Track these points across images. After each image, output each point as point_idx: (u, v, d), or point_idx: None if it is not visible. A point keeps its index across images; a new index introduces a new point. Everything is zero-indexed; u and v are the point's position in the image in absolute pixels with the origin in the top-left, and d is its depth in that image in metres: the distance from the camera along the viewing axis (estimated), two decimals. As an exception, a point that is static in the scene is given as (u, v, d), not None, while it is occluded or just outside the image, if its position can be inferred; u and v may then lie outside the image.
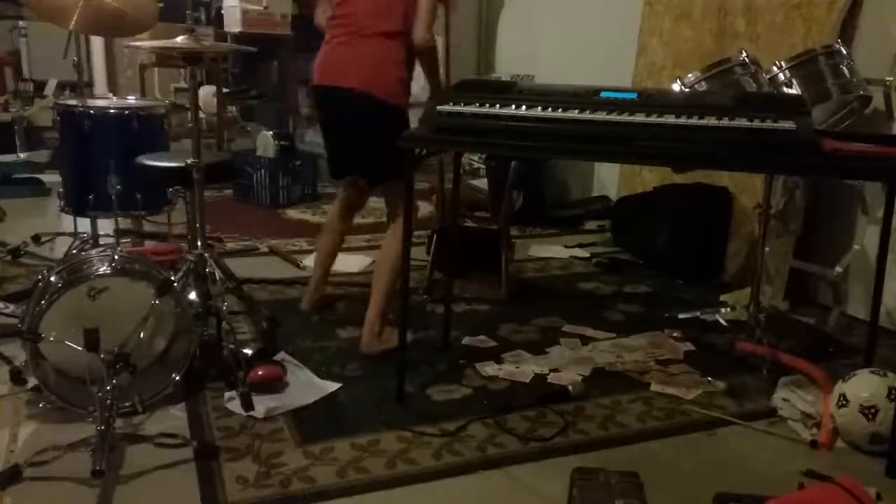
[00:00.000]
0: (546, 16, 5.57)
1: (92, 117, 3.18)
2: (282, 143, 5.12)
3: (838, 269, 3.15)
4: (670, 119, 2.06)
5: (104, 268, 2.24)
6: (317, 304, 3.12)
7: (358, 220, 4.73)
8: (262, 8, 6.42)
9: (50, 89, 6.47)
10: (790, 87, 2.78)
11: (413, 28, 2.68)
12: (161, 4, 3.46)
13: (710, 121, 2.03)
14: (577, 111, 2.11)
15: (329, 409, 2.36)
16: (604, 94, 2.21)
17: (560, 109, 2.13)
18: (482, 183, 4.96)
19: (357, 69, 2.68)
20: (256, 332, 2.85)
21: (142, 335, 2.22)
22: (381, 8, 2.68)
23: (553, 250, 4.20)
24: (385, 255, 2.80)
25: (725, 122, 2.02)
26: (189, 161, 2.56)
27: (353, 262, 3.81)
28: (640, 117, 2.08)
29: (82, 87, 3.53)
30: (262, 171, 4.99)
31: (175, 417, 2.26)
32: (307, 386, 2.48)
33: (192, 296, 2.58)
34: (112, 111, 3.26)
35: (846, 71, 2.83)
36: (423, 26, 2.67)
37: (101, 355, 2.07)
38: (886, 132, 3.05)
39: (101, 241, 3.30)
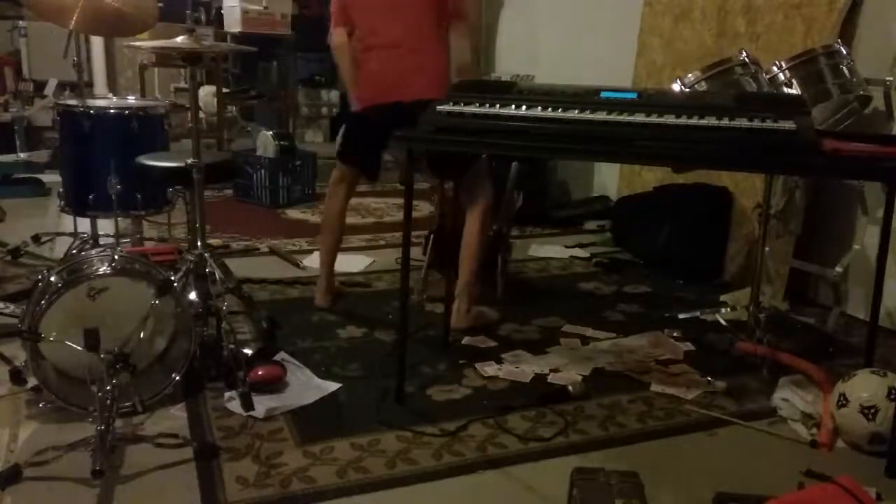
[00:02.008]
0: (546, 16, 5.57)
1: (92, 117, 3.18)
2: (282, 143, 5.12)
3: (838, 269, 3.15)
4: (670, 119, 2.06)
5: (104, 268, 2.24)
6: (332, 298, 3.21)
7: (357, 220, 4.78)
8: (262, 8, 6.42)
9: (50, 89, 6.46)
10: (790, 87, 2.78)
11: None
12: (161, 4, 3.46)
13: (710, 121, 2.03)
14: (577, 111, 2.11)
15: (329, 409, 2.36)
16: (604, 94, 2.21)
17: (560, 109, 2.13)
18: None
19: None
20: (256, 332, 2.85)
21: (142, 335, 2.22)
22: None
23: (553, 250, 4.20)
24: (467, 238, 2.97)
25: (725, 122, 2.02)
26: (189, 161, 2.56)
27: (354, 262, 3.81)
28: (640, 117, 2.08)
29: (82, 87, 3.53)
30: (262, 171, 4.99)
31: (175, 417, 2.26)
32: (307, 386, 2.48)
33: (192, 296, 2.58)
34: (112, 111, 3.26)
35: (846, 71, 2.83)
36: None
37: (101, 355, 2.07)
38: (886, 132, 3.06)
39: (101, 240, 3.31)
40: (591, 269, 3.91)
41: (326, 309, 3.16)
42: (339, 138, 3.16)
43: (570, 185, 5.18)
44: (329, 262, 3.20)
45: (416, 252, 3.31)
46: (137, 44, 3.19)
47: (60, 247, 3.69)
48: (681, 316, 3.20)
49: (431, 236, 3.44)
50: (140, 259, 2.37)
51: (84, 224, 3.37)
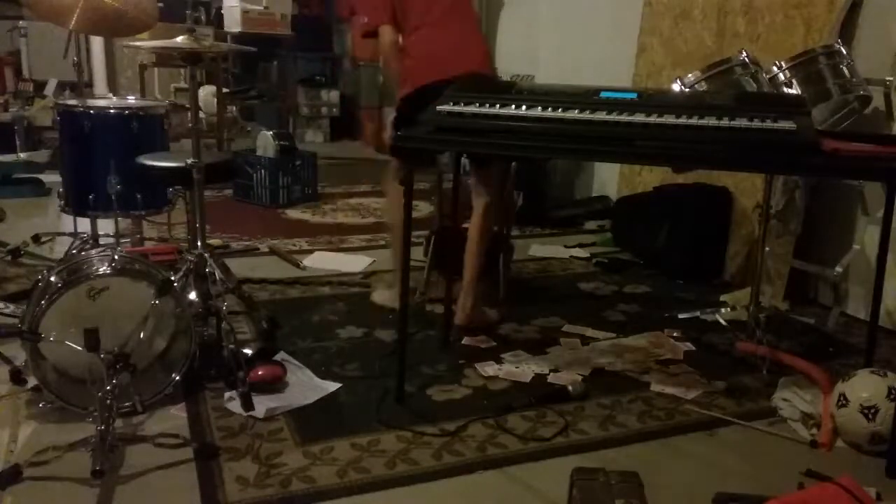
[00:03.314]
0: (546, 16, 5.57)
1: (92, 117, 3.18)
2: (282, 143, 5.12)
3: (838, 269, 3.15)
4: (670, 119, 2.06)
5: (104, 268, 2.24)
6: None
7: (357, 220, 4.78)
8: (262, 8, 6.43)
9: (50, 89, 6.47)
10: (790, 87, 2.78)
11: None
12: (161, 4, 3.45)
13: (710, 121, 2.03)
14: (577, 111, 2.11)
15: (329, 409, 2.36)
16: (604, 94, 2.21)
17: (560, 109, 2.13)
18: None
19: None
20: (256, 332, 2.85)
21: (142, 335, 2.22)
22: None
23: (553, 250, 4.20)
24: (471, 234, 2.98)
25: (725, 122, 2.02)
26: (189, 161, 2.56)
27: (354, 262, 3.81)
28: (640, 117, 2.08)
29: (82, 87, 3.53)
30: (262, 171, 4.99)
31: (175, 417, 2.26)
32: (307, 386, 2.48)
33: (192, 296, 2.58)
34: (112, 111, 3.26)
35: (846, 71, 2.83)
36: None
37: (101, 355, 2.07)
38: (886, 132, 3.06)
39: (101, 240, 3.31)
40: (591, 269, 3.91)
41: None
42: (389, 132, 3.04)
43: (570, 185, 5.17)
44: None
45: (416, 252, 3.31)
46: (137, 44, 3.19)
47: (60, 247, 3.69)
48: (681, 316, 3.20)
49: (433, 237, 3.44)
50: (140, 259, 2.37)
51: (84, 224, 3.37)
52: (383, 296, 3.26)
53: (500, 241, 3.37)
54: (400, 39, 2.96)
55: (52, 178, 4.91)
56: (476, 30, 3.10)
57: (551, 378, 2.61)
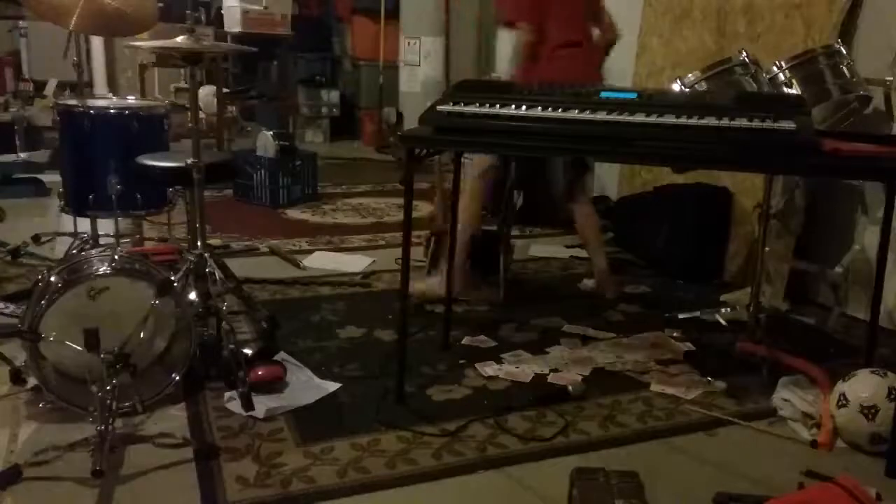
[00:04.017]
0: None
1: (92, 117, 3.18)
2: (282, 143, 5.12)
3: (838, 269, 3.15)
4: (670, 119, 2.06)
5: (104, 268, 2.24)
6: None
7: (357, 220, 4.78)
8: (262, 8, 6.42)
9: (50, 89, 6.46)
10: (790, 87, 2.78)
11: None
12: (161, 4, 3.45)
13: (710, 121, 2.03)
14: (577, 111, 2.12)
15: (329, 409, 2.36)
16: (604, 94, 2.21)
17: (560, 109, 2.13)
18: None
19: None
20: (256, 332, 2.85)
21: (142, 335, 2.22)
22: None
23: (553, 250, 4.20)
24: (590, 221, 3.41)
25: (725, 122, 2.02)
26: (189, 161, 2.56)
27: (354, 262, 3.81)
28: (640, 117, 2.08)
29: (82, 87, 3.53)
30: (262, 171, 4.99)
31: (175, 417, 2.26)
32: (307, 386, 2.48)
33: (192, 296, 2.58)
34: (112, 111, 3.26)
35: (846, 71, 2.82)
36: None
37: (101, 355, 2.07)
38: (886, 132, 3.05)
39: (101, 240, 3.31)
40: (592, 269, 3.90)
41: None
42: None
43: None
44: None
45: (416, 252, 3.31)
46: (137, 44, 3.18)
47: (60, 247, 3.69)
48: (681, 316, 3.20)
49: (433, 237, 3.44)
50: (140, 259, 2.37)
51: (84, 224, 3.37)
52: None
53: (501, 240, 3.37)
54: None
55: (52, 178, 4.91)
56: (598, 48, 3.28)
57: (551, 378, 2.61)
